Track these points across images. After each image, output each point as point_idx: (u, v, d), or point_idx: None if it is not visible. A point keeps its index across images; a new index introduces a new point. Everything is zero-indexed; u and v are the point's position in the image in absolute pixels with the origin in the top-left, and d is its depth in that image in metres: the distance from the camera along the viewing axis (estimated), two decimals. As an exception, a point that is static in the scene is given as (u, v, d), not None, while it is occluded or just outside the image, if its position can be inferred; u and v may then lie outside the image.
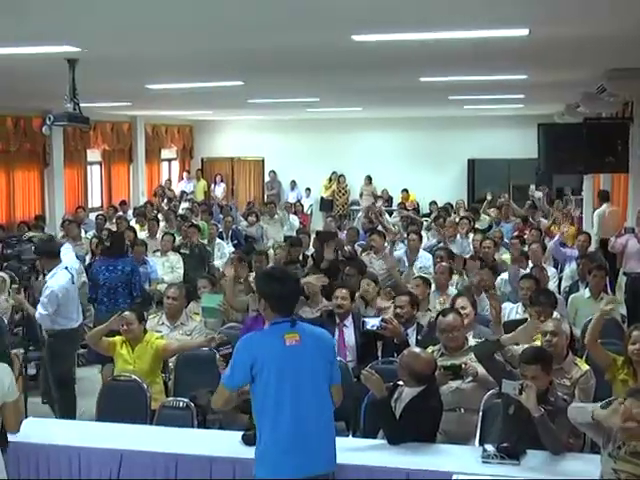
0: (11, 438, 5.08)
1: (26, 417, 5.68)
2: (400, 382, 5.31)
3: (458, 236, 11.72)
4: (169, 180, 20.41)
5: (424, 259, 10.27)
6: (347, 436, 5.55)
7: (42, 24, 5.96)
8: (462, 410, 5.54)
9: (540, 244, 10.13)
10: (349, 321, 7.00)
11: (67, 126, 8.86)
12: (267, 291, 4.47)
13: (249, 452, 4.75)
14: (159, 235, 12.44)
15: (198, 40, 6.92)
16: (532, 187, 15.91)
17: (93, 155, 19.46)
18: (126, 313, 6.57)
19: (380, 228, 11.70)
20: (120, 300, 9.03)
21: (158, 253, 11.48)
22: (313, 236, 11.74)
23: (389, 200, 20.90)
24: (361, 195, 21.64)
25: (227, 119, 22.89)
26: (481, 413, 5.42)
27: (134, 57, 8.01)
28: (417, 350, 5.47)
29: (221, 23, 6.05)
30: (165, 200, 18.50)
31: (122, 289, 9.17)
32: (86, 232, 13.36)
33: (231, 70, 9.41)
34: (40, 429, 5.40)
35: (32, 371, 9.35)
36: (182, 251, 11.68)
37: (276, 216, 15.18)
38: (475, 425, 5.40)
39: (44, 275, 8.39)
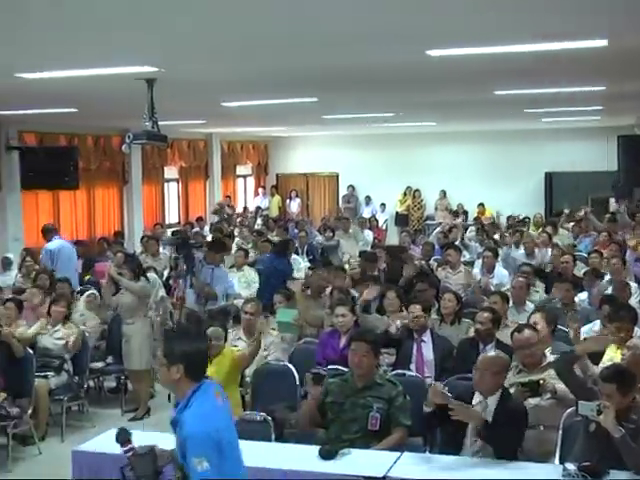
0: (88, 448, 5.22)
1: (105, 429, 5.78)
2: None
3: (537, 250, 11.57)
4: (228, 197, 20.49)
5: (500, 276, 10.17)
6: (424, 452, 5.51)
7: (123, 46, 6.11)
8: (541, 427, 5.46)
9: (620, 258, 9.90)
10: (427, 336, 6.98)
11: (146, 144, 9.05)
12: (187, 351, 3.71)
13: (327, 466, 4.78)
14: (233, 250, 12.60)
15: (274, 58, 6.99)
16: (611, 200, 15.57)
17: (170, 172, 19.78)
18: (212, 329, 6.66)
19: (457, 243, 11.65)
20: None
21: (234, 268, 11.61)
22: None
23: (465, 214, 20.75)
24: (436, 209, 21.53)
25: (301, 135, 23.03)
26: (561, 431, 5.33)
27: (210, 76, 8.13)
28: (492, 353, 5.46)
29: (297, 41, 6.11)
30: (225, 216, 18.62)
31: None
32: (164, 248, 13.59)
33: (306, 87, 9.48)
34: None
35: (112, 384, 9.56)
36: (257, 266, 11.79)
37: (350, 231, 15.19)
38: (555, 443, 5.32)
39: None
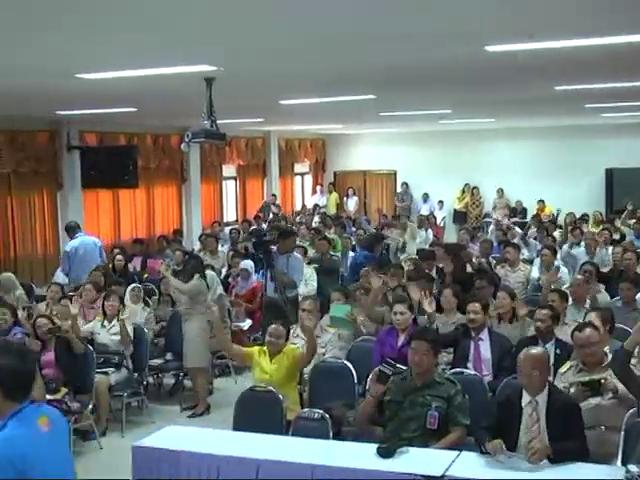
0: (148, 443, 5.29)
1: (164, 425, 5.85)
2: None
3: (597, 248, 11.38)
4: (274, 195, 20.51)
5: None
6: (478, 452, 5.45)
7: (184, 45, 6.17)
8: (602, 428, 5.36)
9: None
10: (485, 334, 6.91)
11: (204, 142, 9.10)
12: (1, 370, 3.37)
13: (384, 465, 4.77)
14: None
15: (332, 57, 7.00)
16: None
17: (228, 170, 19.92)
18: (273, 326, 6.68)
19: (515, 241, 11.51)
20: None
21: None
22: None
23: (523, 212, 20.51)
24: (494, 207, 21.33)
25: (359, 132, 23.01)
26: (623, 432, 5.23)
27: (269, 74, 8.17)
28: (534, 350, 5.37)
29: (358, 40, 6.10)
30: (270, 216, 18.63)
31: None
32: (222, 246, 13.68)
33: (363, 84, 9.46)
34: (179, 436, 5.56)
35: (170, 380, 9.66)
36: (314, 264, 11.79)
37: (408, 229, 15.13)
38: (617, 444, 5.22)
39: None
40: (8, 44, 5.87)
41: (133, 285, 9.82)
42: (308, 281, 11.24)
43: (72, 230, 11.93)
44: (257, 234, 11.09)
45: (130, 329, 8.40)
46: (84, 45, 5.97)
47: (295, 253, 10.18)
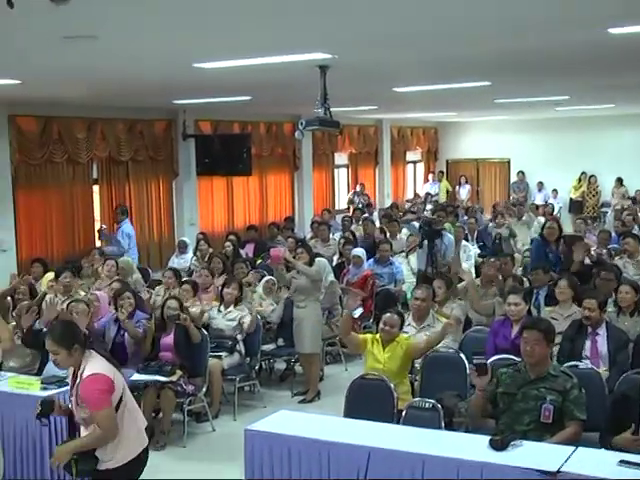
0: (260, 427, 5.36)
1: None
2: None
3: None
4: (362, 184, 20.28)
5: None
6: (600, 447, 5.29)
7: (298, 33, 6.18)
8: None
9: None
10: (602, 329, 6.71)
11: (318, 130, 9.12)
12: None
13: (497, 457, 4.68)
14: (403, 235, 12.59)
15: (449, 44, 6.90)
16: None
17: (340, 158, 19.96)
18: (388, 315, 6.66)
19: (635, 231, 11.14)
20: None
21: (403, 254, 11.59)
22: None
23: (644, 201, 19.86)
24: (612, 196, 20.69)
25: (471, 120, 22.70)
26: None
27: (384, 62, 8.11)
28: None
29: (475, 28, 6.01)
30: (360, 205, 18.44)
31: None
32: (333, 234, 13.71)
33: (479, 71, 9.30)
34: (290, 421, 5.60)
35: (281, 366, 9.76)
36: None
37: (523, 218, 14.85)
38: None
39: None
40: (136, 35, 6.01)
41: (268, 278, 9.96)
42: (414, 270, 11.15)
43: (124, 214, 12.36)
44: (430, 222, 11.29)
45: (248, 317, 8.52)
46: (201, 34, 6.05)
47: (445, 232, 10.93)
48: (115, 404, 4.64)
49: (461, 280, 8.88)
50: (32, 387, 6.33)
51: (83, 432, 4.75)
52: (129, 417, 4.77)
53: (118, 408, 4.67)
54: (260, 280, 9.99)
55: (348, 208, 18.67)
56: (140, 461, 4.84)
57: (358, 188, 19.71)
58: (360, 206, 18.09)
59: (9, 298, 8.47)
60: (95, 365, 4.63)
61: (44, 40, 6.03)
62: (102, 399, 4.56)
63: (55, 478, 6.11)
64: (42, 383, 6.39)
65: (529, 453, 4.81)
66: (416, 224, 13.39)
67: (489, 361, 5.78)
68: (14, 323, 7.88)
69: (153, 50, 6.81)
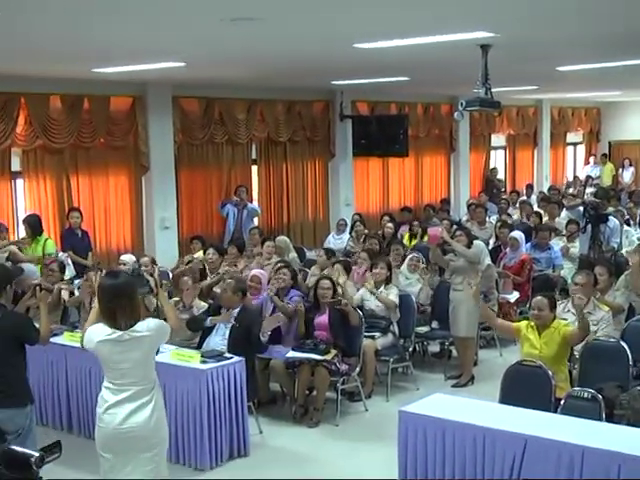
0: (414, 410, 5.35)
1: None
2: None
3: None
4: (494, 169, 19.61)
5: None
6: None
7: (460, 12, 6.09)
8: None
9: None
10: None
11: (478, 111, 9.03)
12: None
13: (663, 454, 4.50)
14: (562, 219, 12.30)
15: (615, 17, 6.62)
16: None
17: (497, 140, 19.60)
18: (537, 298, 6.51)
19: None
20: None
21: (564, 238, 11.31)
22: None
23: None
24: None
25: (637, 99, 21.73)
26: None
27: (547, 40, 7.89)
28: None
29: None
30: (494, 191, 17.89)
31: None
32: (489, 217, 13.49)
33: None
34: (445, 405, 5.57)
35: (435, 348, 9.71)
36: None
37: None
38: None
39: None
40: (300, 16, 6.08)
41: (412, 255, 9.93)
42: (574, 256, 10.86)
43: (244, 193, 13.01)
44: (596, 206, 11.10)
45: (394, 297, 8.49)
46: (363, 14, 6.06)
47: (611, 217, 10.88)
48: None
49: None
50: (192, 359, 6.58)
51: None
52: None
53: None
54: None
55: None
56: None
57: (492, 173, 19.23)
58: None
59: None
60: None
61: (210, 23, 6.19)
62: None
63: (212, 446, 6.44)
64: (202, 356, 6.62)
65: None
66: (580, 209, 13.00)
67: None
68: (177, 299, 8.19)
69: (315, 31, 6.88)
